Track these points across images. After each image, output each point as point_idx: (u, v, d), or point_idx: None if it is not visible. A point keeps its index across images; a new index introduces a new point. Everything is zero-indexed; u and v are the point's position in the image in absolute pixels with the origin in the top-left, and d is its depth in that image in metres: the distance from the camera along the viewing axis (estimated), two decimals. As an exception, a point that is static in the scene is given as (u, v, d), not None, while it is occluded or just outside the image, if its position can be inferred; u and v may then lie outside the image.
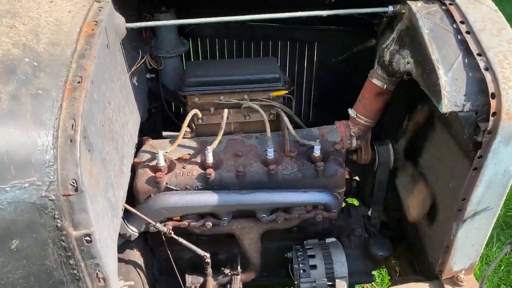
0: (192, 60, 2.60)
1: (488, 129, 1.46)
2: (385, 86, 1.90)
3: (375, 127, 2.11)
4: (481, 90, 1.48)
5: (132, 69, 1.86)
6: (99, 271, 1.28)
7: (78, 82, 1.23)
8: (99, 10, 1.52)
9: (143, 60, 2.01)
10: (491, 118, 1.45)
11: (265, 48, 2.49)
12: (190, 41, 2.48)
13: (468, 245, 1.82)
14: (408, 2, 1.70)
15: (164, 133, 2.76)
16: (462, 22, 1.59)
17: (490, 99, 1.44)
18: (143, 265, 2.05)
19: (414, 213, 2.06)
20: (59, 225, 1.15)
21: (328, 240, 2.15)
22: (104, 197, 1.34)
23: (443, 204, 1.87)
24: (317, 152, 1.92)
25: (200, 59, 2.56)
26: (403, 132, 2.15)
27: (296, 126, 2.07)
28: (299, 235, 2.20)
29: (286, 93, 2.07)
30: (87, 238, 1.21)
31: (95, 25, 1.43)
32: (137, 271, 2.00)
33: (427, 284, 1.94)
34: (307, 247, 2.10)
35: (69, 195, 1.14)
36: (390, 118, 2.18)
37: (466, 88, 1.48)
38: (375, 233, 2.20)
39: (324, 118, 2.67)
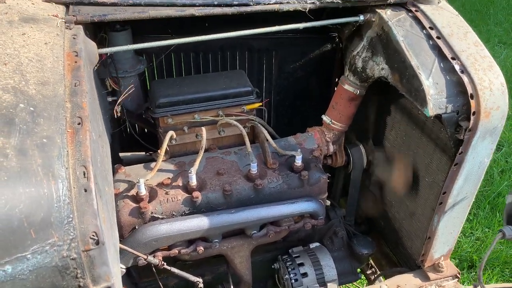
0: (146, 77, 2.47)
1: (469, 127, 1.57)
2: (357, 91, 1.96)
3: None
4: (459, 91, 1.58)
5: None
6: None
7: (79, 124, 1.12)
8: (74, 38, 1.40)
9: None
10: (472, 117, 1.56)
11: (223, 59, 2.44)
12: (145, 57, 2.35)
13: (447, 233, 1.95)
14: (377, 10, 1.77)
15: (121, 155, 2.61)
16: (431, 28, 1.69)
17: (470, 99, 1.55)
18: (129, 301, 1.93)
19: (400, 186, 2.11)
20: (81, 284, 1.04)
21: (312, 245, 2.18)
22: (112, 243, 1.24)
23: (420, 198, 1.98)
24: (298, 161, 1.93)
25: (156, 76, 2.45)
26: (370, 132, 2.23)
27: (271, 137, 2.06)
28: (283, 245, 2.20)
29: (260, 105, 2.06)
30: (107, 292, 1.11)
31: (76, 55, 1.32)
32: (125, 309, 1.88)
33: (412, 274, 2.05)
34: (294, 255, 2.11)
35: (90, 249, 1.03)
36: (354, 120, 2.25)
37: (446, 90, 1.58)
38: (354, 232, 2.27)
39: (285, 125, 2.70)
